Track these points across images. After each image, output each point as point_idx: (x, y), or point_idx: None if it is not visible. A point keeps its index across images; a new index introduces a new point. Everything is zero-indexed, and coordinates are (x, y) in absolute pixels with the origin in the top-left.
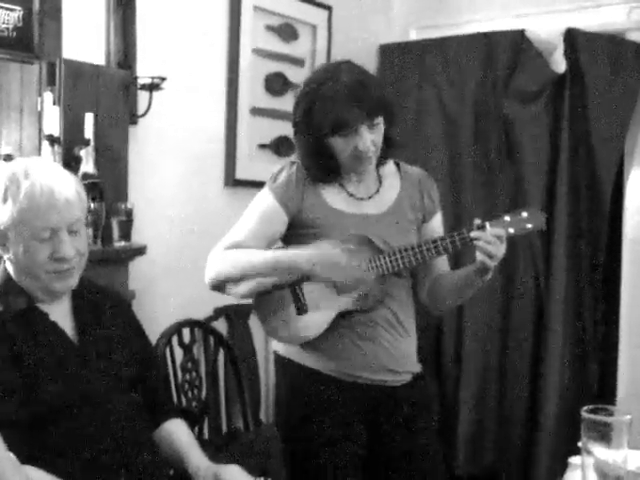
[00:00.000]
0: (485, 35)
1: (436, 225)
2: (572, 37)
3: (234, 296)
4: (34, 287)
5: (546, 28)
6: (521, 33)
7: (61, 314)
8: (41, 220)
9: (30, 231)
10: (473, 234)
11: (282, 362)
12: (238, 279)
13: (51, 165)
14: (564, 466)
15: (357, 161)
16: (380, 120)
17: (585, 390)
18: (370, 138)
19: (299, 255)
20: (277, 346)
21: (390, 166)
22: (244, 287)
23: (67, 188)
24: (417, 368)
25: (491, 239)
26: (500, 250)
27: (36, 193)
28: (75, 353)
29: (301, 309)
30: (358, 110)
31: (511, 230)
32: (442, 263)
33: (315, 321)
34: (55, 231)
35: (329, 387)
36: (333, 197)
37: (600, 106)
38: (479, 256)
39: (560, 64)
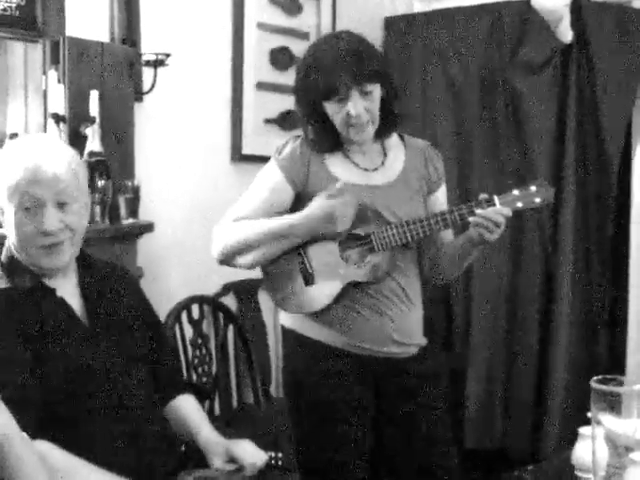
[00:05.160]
0: (491, 6)
1: (441, 196)
2: (578, 7)
3: (242, 267)
4: (29, 263)
5: None
6: (527, 3)
7: (69, 290)
8: (27, 192)
9: (17, 202)
10: (481, 212)
11: (289, 335)
12: (244, 250)
13: (48, 141)
14: (574, 437)
15: (352, 128)
16: (374, 87)
17: (595, 360)
18: (362, 105)
19: (296, 216)
20: (284, 319)
21: (394, 138)
22: (251, 257)
23: (56, 164)
24: (423, 341)
25: (500, 219)
26: (502, 227)
27: (22, 168)
28: (83, 329)
29: (308, 279)
30: (348, 76)
31: (519, 204)
32: (447, 236)
33: (323, 292)
34: (40, 204)
35: (336, 359)
36: (339, 168)
37: (607, 76)
38: (477, 229)
39: (566, 34)
